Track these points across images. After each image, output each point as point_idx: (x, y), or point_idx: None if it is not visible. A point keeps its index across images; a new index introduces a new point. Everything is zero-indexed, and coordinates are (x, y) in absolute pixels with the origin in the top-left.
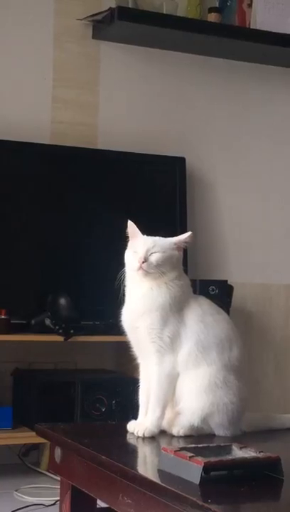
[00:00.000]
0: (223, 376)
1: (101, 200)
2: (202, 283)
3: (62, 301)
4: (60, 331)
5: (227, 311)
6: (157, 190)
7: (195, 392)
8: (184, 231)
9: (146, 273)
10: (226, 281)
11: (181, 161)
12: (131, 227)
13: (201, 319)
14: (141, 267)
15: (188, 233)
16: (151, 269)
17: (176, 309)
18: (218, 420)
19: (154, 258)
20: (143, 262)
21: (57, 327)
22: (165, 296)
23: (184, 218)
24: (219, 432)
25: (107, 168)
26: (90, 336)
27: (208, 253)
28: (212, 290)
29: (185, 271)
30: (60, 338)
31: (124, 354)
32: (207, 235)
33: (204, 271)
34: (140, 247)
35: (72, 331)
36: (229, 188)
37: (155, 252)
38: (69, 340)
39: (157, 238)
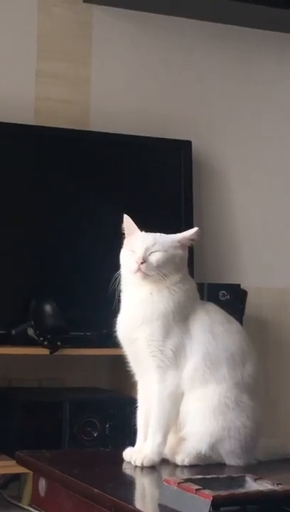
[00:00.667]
0: (235, 396)
1: (93, 190)
2: (211, 287)
3: (48, 308)
4: (45, 342)
5: (240, 320)
6: (158, 179)
7: (202, 415)
8: (190, 227)
9: (145, 275)
10: (239, 285)
11: (187, 145)
12: (128, 222)
13: (209, 329)
14: (139, 269)
15: (194, 229)
16: (151, 270)
17: (180, 318)
18: (229, 447)
19: (154, 258)
20: (141, 263)
21: (41, 338)
22: (168, 303)
23: (190, 212)
24: (231, 460)
25: (100, 154)
26: (80, 348)
27: (218, 253)
28: (223, 296)
29: (191, 273)
30: (46, 351)
31: (120, 370)
32: (216, 231)
33: (213, 273)
34: (138, 245)
35: (59, 343)
36: (243, 177)
37: (155, 251)
38: (55, 353)
39: (158, 235)
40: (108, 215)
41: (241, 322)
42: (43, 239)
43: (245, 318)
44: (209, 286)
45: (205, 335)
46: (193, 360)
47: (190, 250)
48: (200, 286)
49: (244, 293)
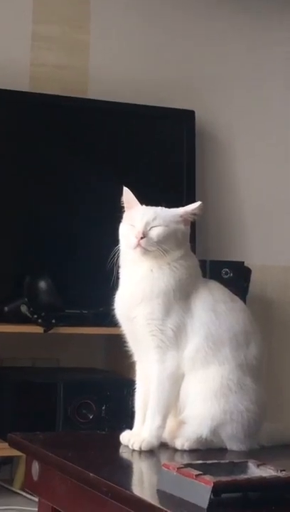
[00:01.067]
0: (237, 378)
1: (91, 161)
2: (214, 265)
3: (43, 284)
4: (40, 320)
5: (244, 299)
6: (160, 150)
7: (203, 397)
8: (192, 201)
9: (145, 251)
10: (242, 262)
11: (190, 114)
12: (128, 195)
13: (212, 308)
14: (138, 244)
15: (197, 203)
16: (151, 246)
17: (181, 296)
18: (231, 432)
19: (155, 233)
20: (141, 238)
21: (35, 316)
22: (169, 280)
23: (192, 185)
24: (233, 445)
25: (99, 123)
26: (76, 327)
27: (221, 228)
28: (226, 273)
29: (193, 249)
30: (40, 330)
31: (117, 350)
32: (220, 205)
33: (216, 250)
34: (138, 219)
35: (53, 321)
36: (248, 148)
37: (156, 226)
38: (50, 331)
39: (159, 209)
40: (107, 188)
41: (244, 301)
42: (37, 213)
43: (249, 297)
44: (211, 263)
45: (208, 314)
46: (195, 340)
47: (193, 225)
48: (202, 263)
49: (248, 271)
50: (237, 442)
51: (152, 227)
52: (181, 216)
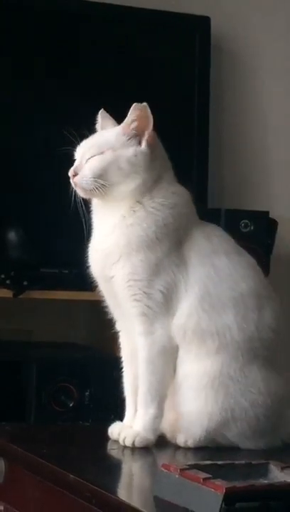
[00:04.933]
0: (243, 360)
1: (80, 74)
2: (231, 215)
3: (12, 235)
4: (8, 281)
5: (267, 259)
6: (168, 63)
7: (197, 386)
8: (204, 132)
9: (84, 191)
10: (267, 213)
11: (204, 21)
12: (104, 119)
13: (210, 260)
14: (75, 184)
15: (134, 106)
16: (87, 183)
17: (171, 246)
18: (237, 430)
19: (88, 166)
20: (74, 175)
21: (2, 276)
22: (149, 227)
23: (205, 109)
24: (244, 443)
25: (100, 30)
26: (53, 290)
27: (240, 170)
28: (245, 226)
29: (204, 196)
30: (8, 293)
31: (105, 321)
32: (238, 139)
33: (233, 197)
34: (76, 152)
35: (25, 283)
36: (276, 68)
37: (91, 157)
38: (21, 296)
39: (104, 133)
40: (95, 110)
41: (268, 261)
42: (7, 146)
43: (274, 256)
44: (227, 213)
45: (205, 267)
46: (188, 300)
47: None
48: (216, 213)
49: (274, 223)
50: (248, 440)
51: (88, 159)
52: (125, 134)
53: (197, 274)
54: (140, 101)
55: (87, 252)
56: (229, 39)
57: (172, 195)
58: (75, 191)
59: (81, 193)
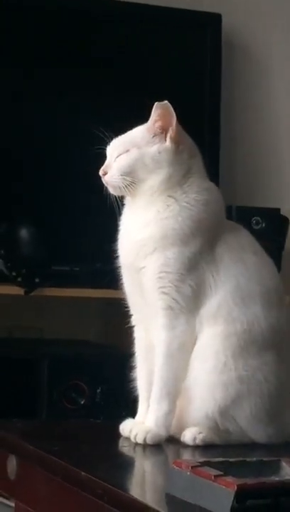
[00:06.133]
0: (263, 340)
1: (91, 71)
2: (242, 212)
3: (23, 233)
4: (19, 279)
5: (279, 255)
6: (178, 61)
7: (215, 356)
8: (216, 129)
9: (114, 188)
10: (278, 210)
11: (215, 19)
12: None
13: (240, 258)
14: (106, 182)
15: (156, 104)
16: (115, 181)
17: (203, 241)
18: (250, 411)
19: (116, 165)
20: (104, 174)
21: (14, 273)
22: (184, 221)
23: (216, 107)
24: (254, 429)
25: (110, 27)
26: (65, 288)
27: (251, 168)
28: (257, 223)
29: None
30: (19, 291)
31: (117, 318)
32: (250, 138)
33: (244, 194)
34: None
35: (37, 280)
36: (288, 63)
37: (119, 155)
38: (32, 294)
39: (131, 131)
40: (113, 108)
41: (280, 259)
42: (18, 139)
43: (285, 253)
44: (238, 210)
45: (236, 264)
46: (219, 294)
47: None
48: (227, 210)
49: (285, 220)
50: (257, 424)
51: (116, 157)
52: (150, 132)
53: (228, 271)
54: (153, 97)
55: (116, 244)
56: (241, 35)
57: (205, 191)
58: (107, 189)
59: (112, 191)
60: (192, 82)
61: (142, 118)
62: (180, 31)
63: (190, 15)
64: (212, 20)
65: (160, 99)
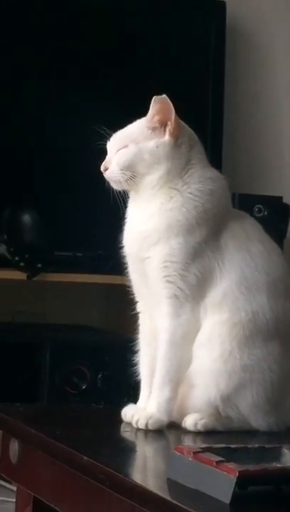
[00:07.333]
0: (268, 329)
1: (95, 60)
2: (244, 200)
3: (27, 218)
4: (22, 264)
5: (280, 244)
6: (181, 49)
7: (220, 342)
8: (219, 117)
9: (116, 183)
10: (280, 198)
11: (219, 6)
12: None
13: (246, 247)
14: (108, 178)
15: (153, 98)
16: (116, 175)
17: (209, 231)
18: (252, 399)
19: (116, 160)
20: (105, 170)
21: (16, 258)
22: (189, 211)
23: (220, 96)
24: (255, 417)
25: (110, 15)
26: (67, 273)
27: (254, 156)
28: (259, 211)
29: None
30: (22, 276)
31: (119, 303)
32: (253, 126)
33: (246, 182)
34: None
35: (39, 265)
36: None
37: (119, 150)
38: (35, 278)
39: (130, 126)
40: (111, 93)
41: (281, 245)
42: (22, 125)
43: (287, 241)
44: (241, 197)
45: (241, 253)
46: (224, 283)
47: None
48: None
49: (287, 208)
50: (259, 413)
51: (115, 152)
52: (148, 127)
53: (234, 259)
54: (156, 86)
55: (122, 234)
56: (245, 23)
57: (209, 180)
58: (110, 184)
59: (114, 186)
60: (197, 69)
61: (147, 108)
62: (185, 19)
63: (195, 3)
64: (217, 9)
65: (164, 88)
